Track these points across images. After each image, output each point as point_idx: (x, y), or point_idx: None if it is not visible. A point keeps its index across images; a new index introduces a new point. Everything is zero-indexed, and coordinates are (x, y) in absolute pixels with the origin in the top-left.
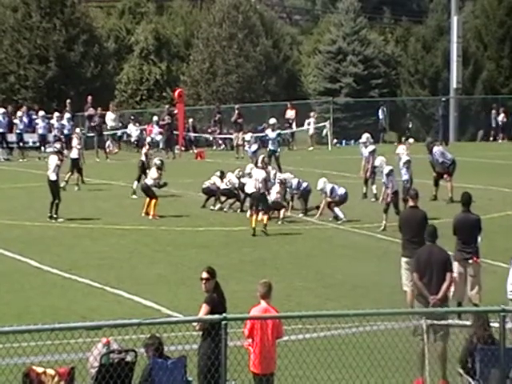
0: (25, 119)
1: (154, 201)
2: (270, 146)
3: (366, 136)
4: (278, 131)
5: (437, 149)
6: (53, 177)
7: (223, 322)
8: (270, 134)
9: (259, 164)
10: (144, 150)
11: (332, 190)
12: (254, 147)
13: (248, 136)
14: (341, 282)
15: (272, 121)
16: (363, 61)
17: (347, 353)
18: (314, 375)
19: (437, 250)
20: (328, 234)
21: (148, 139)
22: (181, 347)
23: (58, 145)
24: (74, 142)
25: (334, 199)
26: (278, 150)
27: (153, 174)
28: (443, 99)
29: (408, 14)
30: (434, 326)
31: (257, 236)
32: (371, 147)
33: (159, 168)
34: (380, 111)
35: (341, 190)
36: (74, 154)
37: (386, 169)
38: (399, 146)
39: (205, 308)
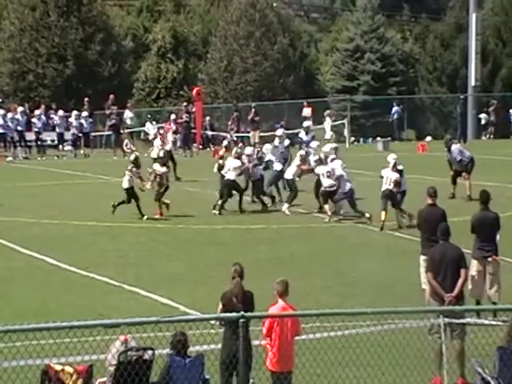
0: (43, 118)
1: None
2: (304, 148)
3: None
4: (313, 133)
5: (455, 147)
6: (125, 185)
7: (241, 320)
8: (304, 137)
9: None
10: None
11: (340, 177)
12: (287, 142)
13: (280, 131)
14: (358, 281)
15: (306, 123)
16: (381, 58)
17: (365, 351)
18: (332, 373)
19: (450, 247)
20: (345, 231)
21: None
22: (198, 345)
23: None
24: (157, 142)
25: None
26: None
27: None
28: (462, 97)
29: (427, 12)
30: (451, 324)
31: (277, 234)
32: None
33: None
34: (395, 109)
35: (348, 186)
36: (153, 153)
37: (337, 172)
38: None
39: (219, 305)
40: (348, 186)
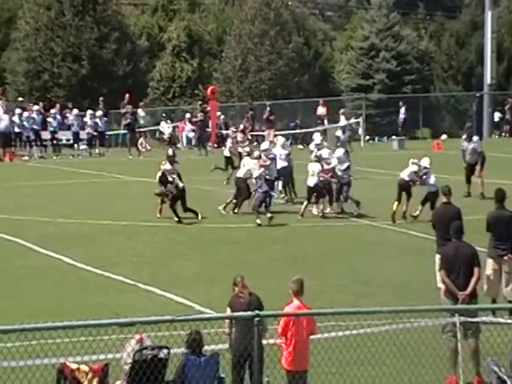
0: (58, 117)
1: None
2: (341, 148)
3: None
4: (349, 133)
5: (477, 138)
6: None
7: (256, 319)
8: (341, 135)
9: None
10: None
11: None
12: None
13: (317, 137)
14: (373, 279)
15: (343, 122)
16: (396, 57)
17: (380, 350)
18: (347, 372)
19: (463, 245)
20: (360, 230)
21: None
22: (213, 344)
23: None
24: (228, 142)
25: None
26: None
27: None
28: (477, 95)
29: (442, 10)
30: (465, 322)
31: (291, 233)
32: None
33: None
34: (403, 109)
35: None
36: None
37: (256, 173)
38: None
39: (227, 310)
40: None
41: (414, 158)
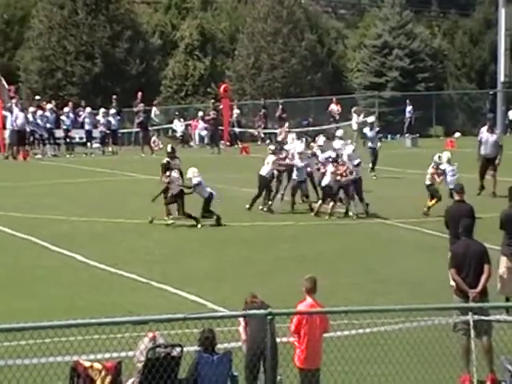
0: (71, 115)
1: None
2: (370, 144)
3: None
4: (377, 129)
5: (499, 130)
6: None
7: (268, 317)
8: (369, 132)
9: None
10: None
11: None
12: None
13: (321, 139)
14: (389, 278)
15: (370, 119)
16: (409, 54)
17: (393, 348)
18: (360, 370)
19: (473, 243)
20: (374, 228)
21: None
22: (226, 342)
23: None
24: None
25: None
26: (378, 145)
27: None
28: (490, 93)
29: (455, 7)
30: (477, 320)
31: (303, 231)
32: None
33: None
34: (410, 108)
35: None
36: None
37: (195, 180)
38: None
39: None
40: (208, 190)
41: (435, 154)
